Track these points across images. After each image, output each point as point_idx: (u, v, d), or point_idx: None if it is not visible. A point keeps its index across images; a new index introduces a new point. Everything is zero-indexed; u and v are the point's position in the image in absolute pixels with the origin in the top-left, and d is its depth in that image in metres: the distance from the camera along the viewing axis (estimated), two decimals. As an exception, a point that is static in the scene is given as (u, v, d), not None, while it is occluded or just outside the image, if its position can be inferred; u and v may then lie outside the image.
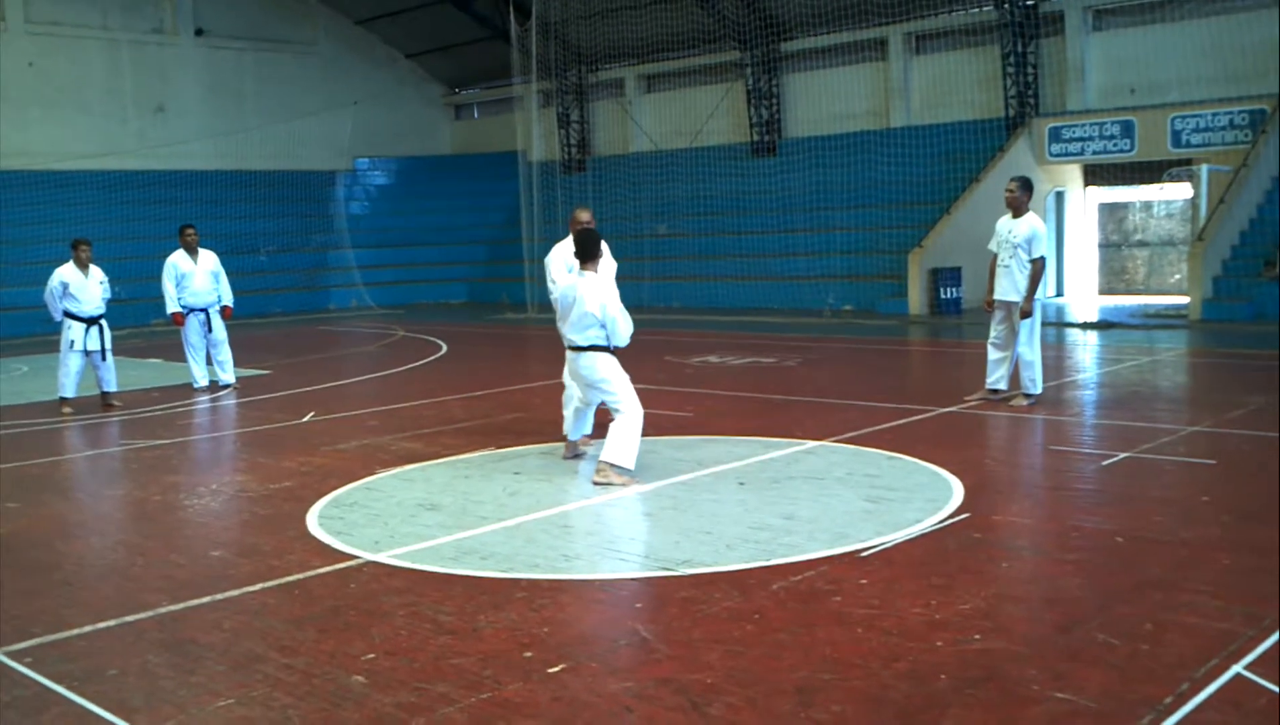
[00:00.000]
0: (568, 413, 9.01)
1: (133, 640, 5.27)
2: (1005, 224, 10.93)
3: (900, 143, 26.20)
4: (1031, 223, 10.76)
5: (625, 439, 8.08)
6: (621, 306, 8.29)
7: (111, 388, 13.06)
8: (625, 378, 8.36)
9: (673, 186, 28.71)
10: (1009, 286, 10.78)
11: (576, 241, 8.38)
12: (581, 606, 5.67)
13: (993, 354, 11.12)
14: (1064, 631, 5.00)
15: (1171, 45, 22.65)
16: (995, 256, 11.00)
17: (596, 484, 7.97)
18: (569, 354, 8.49)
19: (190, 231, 14.21)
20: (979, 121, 25.23)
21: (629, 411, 8.22)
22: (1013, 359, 11.00)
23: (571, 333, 8.31)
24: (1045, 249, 10.82)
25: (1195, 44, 22.12)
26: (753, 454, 8.97)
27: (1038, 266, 10.67)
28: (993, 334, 11.10)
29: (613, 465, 7.98)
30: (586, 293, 8.19)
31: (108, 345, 12.97)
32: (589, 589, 5.88)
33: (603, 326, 8.20)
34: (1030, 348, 10.80)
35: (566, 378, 8.87)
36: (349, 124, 33.95)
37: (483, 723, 4.24)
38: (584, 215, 8.82)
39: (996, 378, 11.12)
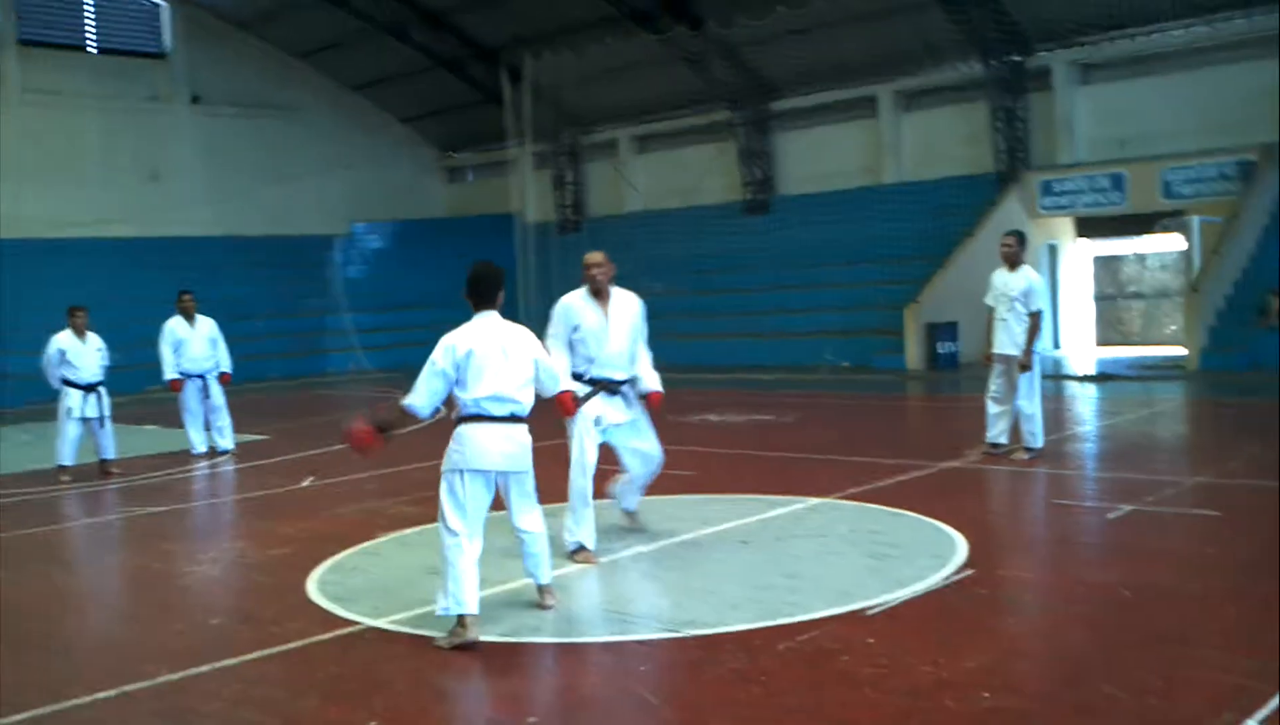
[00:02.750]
0: (588, 512, 7.66)
1: (131, 710, 5.21)
2: (1001, 278, 10.96)
3: (892, 199, 26.34)
4: (1028, 276, 10.78)
5: None
6: None
7: (110, 455, 12.99)
8: None
9: (667, 245, 28.82)
10: (1007, 340, 10.78)
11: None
12: (585, 670, 5.61)
13: (992, 408, 11.10)
14: (1073, 687, 4.95)
15: (1160, 97, 22.85)
16: (992, 310, 11.02)
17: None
18: (600, 401, 7.63)
19: (188, 297, 14.20)
20: (970, 177, 25.36)
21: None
22: (1012, 413, 10.98)
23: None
24: (1043, 302, 10.85)
25: (1184, 96, 22.32)
26: (755, 512, 8.93)
27: (1036, 319, 10.67)
28: (992, 388, 11.08)
29: None
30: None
31: (106, 412, 12.91)
32: (592, 652, 5.82)
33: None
34: (1030, 401, 10.78)
35: (586, 452, 7.68)
36: (344, 189, 34.12)
37: (488, 791, 4.18)
38: (596, 256, 7.83)
39: (997, 432, 11.09)
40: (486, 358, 6.10)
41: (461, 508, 6.04)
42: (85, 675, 5.75)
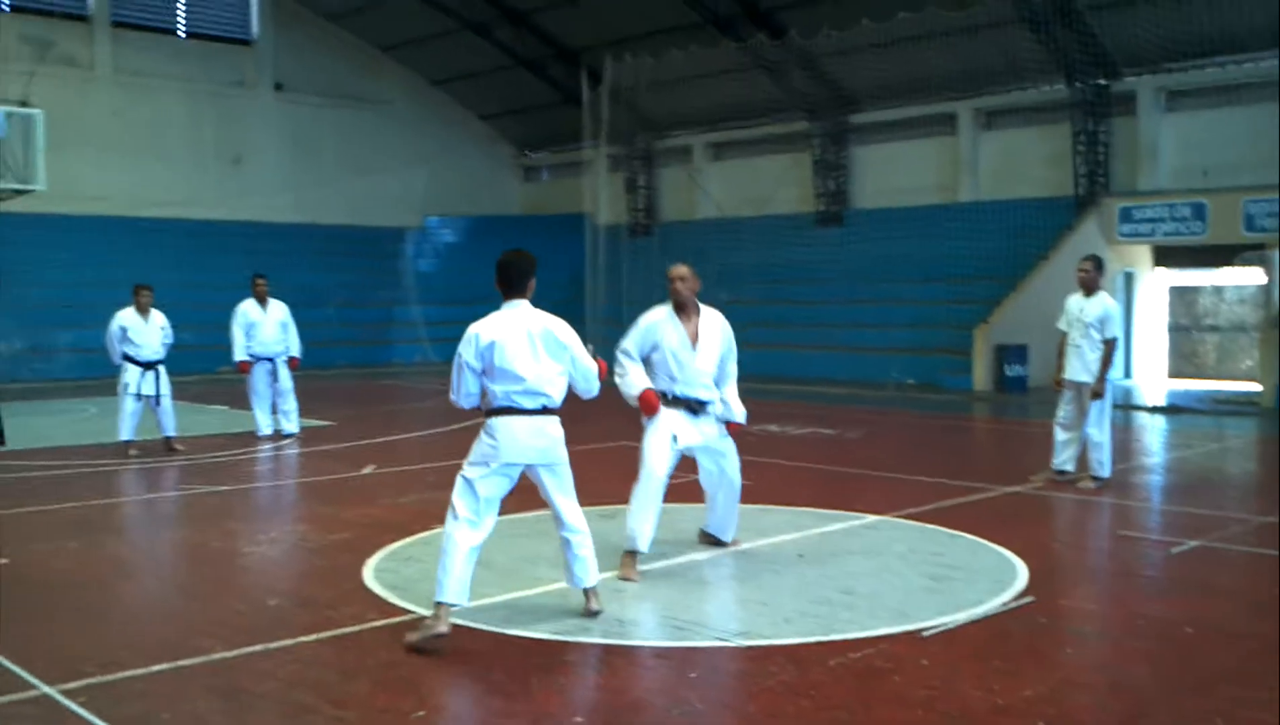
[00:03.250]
0: (650, 516, 7.29)
1: (185, 685, 5.27)
2: (1076, 302, 10.80)
3: (968, 218, 26.05)
4: (1104, 302, 10.61)
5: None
6: None
7: (170, 432, 13.13)
8: None
9: (738, 254, 28.74)
10: (1079, 366, 10.62)
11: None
12: (634, 673, 5.60)
13: (1060, 434, 10.93)
14: (1131, 723, 4.86)
15: (1246, 128, 22.39)
16: (1064, 335, 10.86)
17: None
18: (681, 417, 7.43)
19: (261, 281, 14.40)
20: (1048, 199, 25.04)
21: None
22: (1080, 440, 10.81)
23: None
24: (1118, 329, 10.67)
25: (1270, 127, 21.85)
26: (812, 526, 8.87)
27: (1110, 347, 10.51)
28: (1060, 414, 10.92)
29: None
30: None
31: (164, 391, 13.05)
32: (642, 656, 5.81)
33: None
34: (1100, 429, 10.61)
35: (654, 463, 7.36)
36: (421, 183, 34.45)
37: (532, 788, 4.18)
38: (682, 269, 7.54)
39: (1064, 459, 10.92)
40: (513, 349, 5.88)
41: (474, 495, 5.92)
42: (143, 647, 5.83)
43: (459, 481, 5.99)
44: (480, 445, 6.01)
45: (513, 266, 6.07)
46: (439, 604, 5.74)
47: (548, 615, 6.29)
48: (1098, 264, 10.82)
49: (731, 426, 7.76)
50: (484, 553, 6.18)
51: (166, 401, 13.11)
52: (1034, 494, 10.47)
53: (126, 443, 12.88)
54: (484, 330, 5.93)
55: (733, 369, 7.77)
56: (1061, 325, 10.93)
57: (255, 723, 4.88)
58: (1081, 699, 5.19)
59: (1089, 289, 10.71)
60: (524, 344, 5.92)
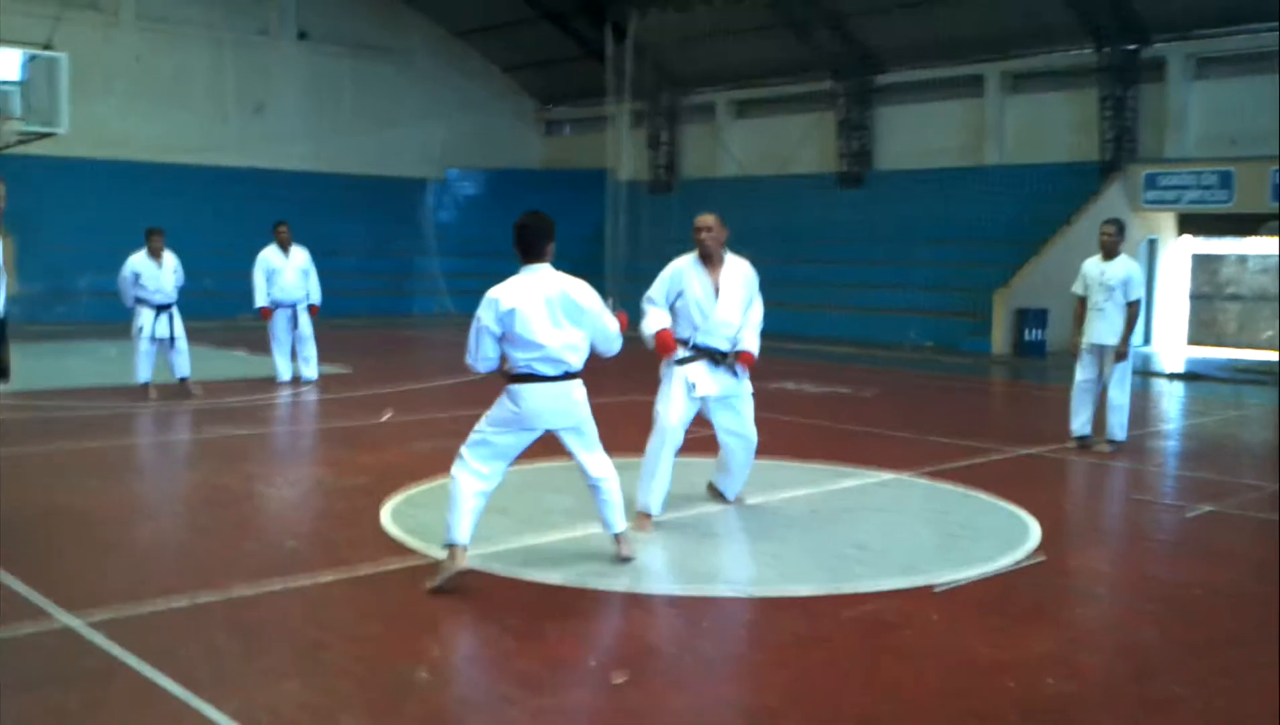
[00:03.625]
0: (663, 477, 7.35)
1: (204, 620, 5.36)
2: (1096, 266, 10.73)
3: (991, 181, 25.95)
4: (1127, 265, 10.56)
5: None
6: None
7: (185, 373, 13.14)
8: None
9: (758, 212, 28.67)
10: (1105, 329, 10.52)
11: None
12: (647, 620, 5.66)
13: (1078, 398, 10.91)
14: (1138, 681, 4.90)
15: (1275, 97, 22.16)
16: (1081, 299, 10.80)
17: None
18: (700, 366, 7.31)
19: (283, 228, 14.43)
20: (1073, 164, 24.90)
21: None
22: (1096, 403, 10.80)
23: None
24: (1141, 291, 10.62)
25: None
26: (825, 482, 8.90)
27: (1134, 309, 10.46)
28: (1079, 377, 10.89)
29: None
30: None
31: (177, 332, 13.10)
32: (655, 603, 5.86)
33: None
34: (1121, 392, 10.59)
35: (670, 416, 7.35)
36: (442, 134, 34.36)
37: (544, 727, 4.24)
38: (708, 219, 7.41)
39: (1081, 422, 10.90)
40: (533, 316, 5.80)
41: (489, 447, 5.97)
42: (162, 583, 5.91)
43: (474, 435, 6.01)
44: (501, 409, 6.00)
45: (531, 230, 5.98)
46: (451, 545, 5.81)
47: (563, 561, 6.35)
48: (1120, 228, 10.76)
49: (743, 357, 7.42)
50: (501, 501, 6.25)
51: (181, 343, 13.13)
52: (1048, 456, 10.47)
53: (145, 385, 12.97)
54: (504, 296, 5.85)
55: (756, 314, 7.56)
56: (1077, 289, 10.85)
57: (272, 658, 4.95)
58: (1089, 658, 5.23)
59: (1110, 252, 10.66)
60: (544, 311, 5.84)
